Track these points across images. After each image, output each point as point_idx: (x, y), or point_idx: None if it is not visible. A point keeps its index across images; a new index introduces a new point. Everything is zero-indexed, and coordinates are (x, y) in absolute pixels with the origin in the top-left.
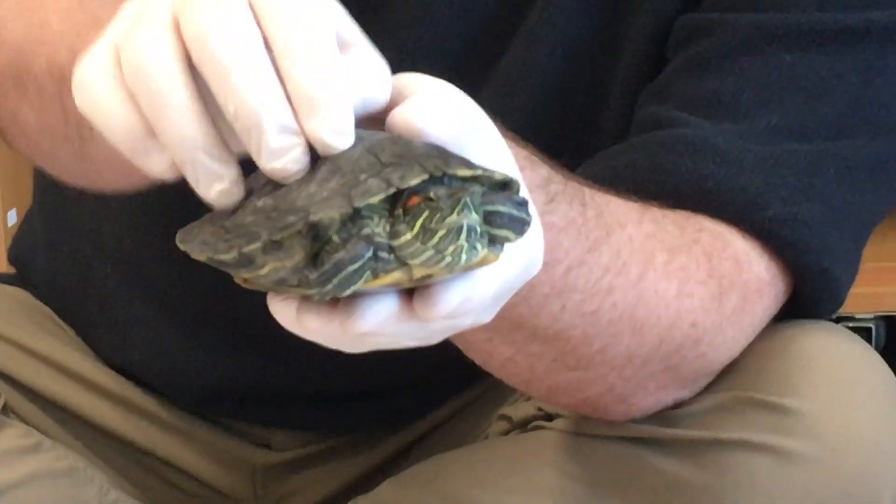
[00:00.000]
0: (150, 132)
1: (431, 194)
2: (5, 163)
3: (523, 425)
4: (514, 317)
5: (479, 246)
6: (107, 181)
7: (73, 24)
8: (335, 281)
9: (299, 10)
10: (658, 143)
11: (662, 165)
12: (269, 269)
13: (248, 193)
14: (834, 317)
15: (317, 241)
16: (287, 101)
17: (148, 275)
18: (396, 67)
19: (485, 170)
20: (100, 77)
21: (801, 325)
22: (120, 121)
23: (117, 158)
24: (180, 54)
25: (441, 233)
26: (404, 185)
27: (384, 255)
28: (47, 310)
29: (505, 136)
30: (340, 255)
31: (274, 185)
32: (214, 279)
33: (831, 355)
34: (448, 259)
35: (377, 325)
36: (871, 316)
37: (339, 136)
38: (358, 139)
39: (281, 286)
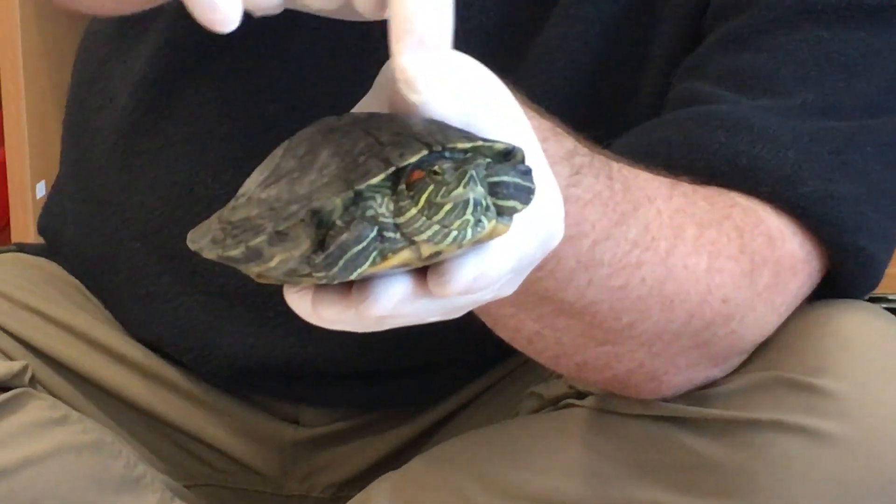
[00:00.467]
0: None
1: (437, 168)
2: (34, 134)
3: (554, 403)
4: (540, 291)
5: (484, 219)
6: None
7: None
8: (341, 263)
9: None
10: (692, 118)
11: (696, 141)
12: (278, 261)
13: (253, 186)
14: (867, 297)
15: (322, 228)
16: None
17: (177, 250)
18: None
19: (485, 140)
20: None
21: (836, 304)
22: None
23: None
24: None
25: (447, 207)
26: (403, 163)
27: (390, 234)
28: (75, 281)
29: (528, 108)
30: (344, 237)
31: (276, 175)
32: None
33: (867, 335)
34: (455, 233)
35: (392, 307)
36: None
37: None
38: (356, 120)
39: (292, 277)
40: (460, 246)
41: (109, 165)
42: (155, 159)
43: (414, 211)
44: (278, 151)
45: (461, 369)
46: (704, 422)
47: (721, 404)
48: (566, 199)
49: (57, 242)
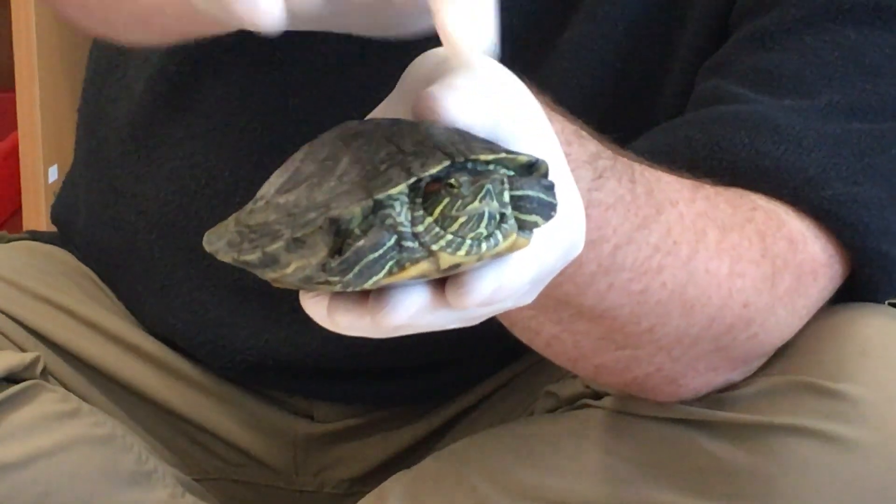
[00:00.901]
0: None
1: (452, 181)
2: (47, 118)
3: (570, 403)
4: (560, 295)
5: (498, 233)
6: (129, 30)
7: None
8: (356, 269)
9: None
10: (716, 118)
11: (719, 142)
12: (294, 268)
13: (272, 190)
14: (888, 301)
15: (340, 237)
16: None
17: (192, 243)
18: None
19: (508, 152)
20: None
21: (857, 308)
22: None
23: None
24: None
25: (461, 220)
26: (424, 174)
27: (409, 244)
28: (89, 271)
29: (553, 110)
30: (361, 243)
31: (296, 180)
32: None
33: (887, 340)
34: (468, 246)
35: (409, 317)
36: None
37: None
38: (378, 127)
39: (308, 284)
40: (479, 258)
41: (125, 156)
42: (172, 151)
43: (429, 220)
44: (298, 155)
45: (475, 367)
46: (723, 425)
47: (740, 408)
48: (588, 204)
49: (70, 232)
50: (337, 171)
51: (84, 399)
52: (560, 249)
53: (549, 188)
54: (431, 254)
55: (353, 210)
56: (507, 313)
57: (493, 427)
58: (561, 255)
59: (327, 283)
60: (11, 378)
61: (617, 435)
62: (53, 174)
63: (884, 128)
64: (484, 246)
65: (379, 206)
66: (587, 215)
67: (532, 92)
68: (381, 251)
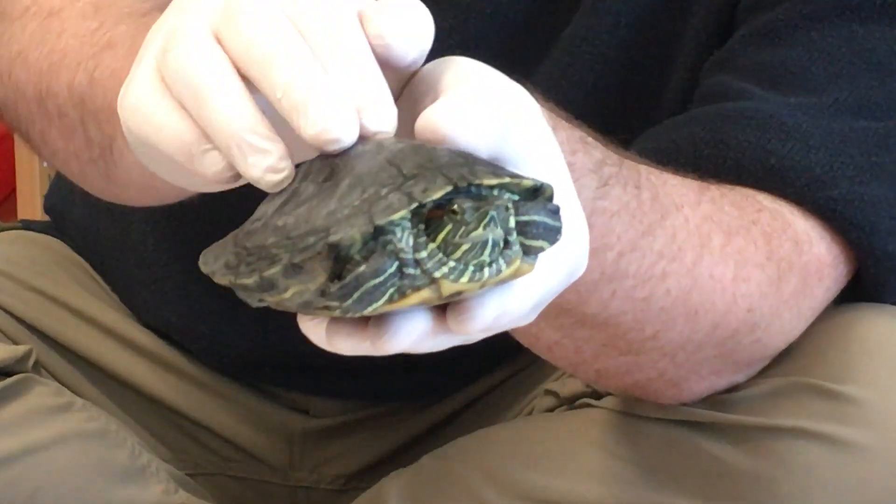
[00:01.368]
0: (202, 135)
1: (455, 207)
2: None
3: (570, 402)
4: (562, 303)
5: (501, 260)
6: (135, 200)
7: (91, 48)
8: (356, 295)
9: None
10: (721, 115)
11: (724, 139)
12: (292, 293)
13: (270, 210)
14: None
15: (339, 262)
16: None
17: (188, 236)
18: (457, 36)
19: (513, 176)
20: (147, 96)
21: (862, 308)
22: (172, 129)
23: (141, 180)
24: (222, 54)
25: (465, 247)
26: (427, 200)
27: (411, 270)
28: (83, 262)
29: (558, 116)
30: (362, 269)
31: (295, 201)
32: None
33: (893, 341)
34: (470, 272)
35: (410, 344)
36: None
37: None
38: (380, 148)
39: (307, 308)
40: (482, 286)
41: None
42: None
43: (431, 247)
44: (298, 174)
45: (473, 364)
46: (726, 428)
47: (743, 410)
48: (593, 212)
49: (64, 222)
50: (337, 193)
51: (77, 393)
52: (564, 272)
53: (555, 212)
54: (433, 281)
55: (353, 236)
56: None
57: (491, 425)
58: (565, 277)
59: (326, 308)
60: (3, 371)
61: (618, 436)
62: None
63: (891, 126)
64: (487, 273)
65: (380, 231)
66: (591, 224)
67: (537, 100)
68: (382, 277)
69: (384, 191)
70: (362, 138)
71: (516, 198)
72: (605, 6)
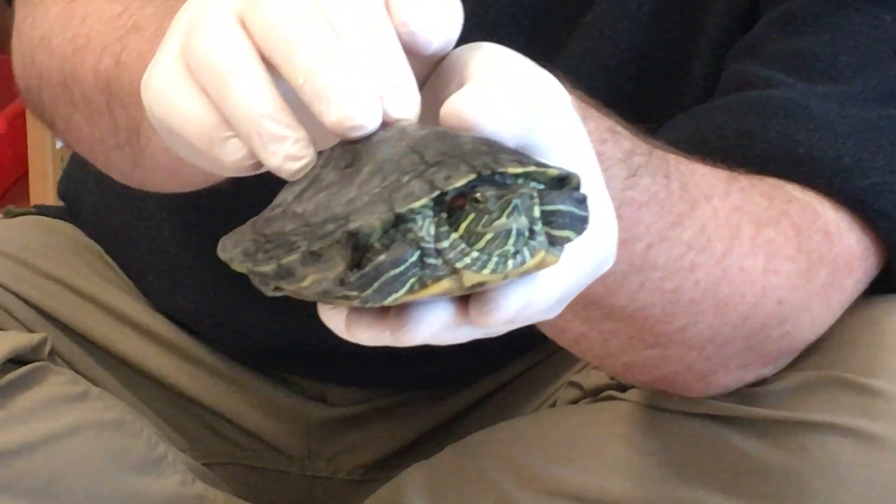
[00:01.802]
0: (223, 121)
1: (478, 195)
2: None
3: (594, 394)
4: (589, 295)
5: (526, 250)
6: (160, 185)
7: (116, 32)
8: (375, 285)
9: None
10: (748, 104)
11: (751, 129)
12: (310, 281)
13: (290, 197)
14: None
15: (359, 251)
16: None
17: (203, 222)
18: (480, 21)
19: (538, 165)
20: (170, 81)
21: (892, 300)
22: (193, 115)
23: (167, 165)
24: (245, 39)
25: (488, 236)
26: (449, 188)
27: (432, 260)
28: (97, 248)
29: (587, 104)
30: (382, 258)
31: (316, 187)
32: None
33: None
34: (494, 263)
35: (431, 335)
36: None
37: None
38: (403, 135)
39: (326, 297)
40: (505, 277)
41: None
42: None
43: (454, 236)
44: (319, 160)
45: (494, 352)
46: (754, 422)
47: (771, 404)
48: (622, 203)
49: (78, 207)
50: (358, 180)
51: (92, 381)
52: (591, 264)
53: (582, 201)
54: (455, 271)
55: (373, 223)
56: None
57: (512, 415)
58: (591, 269)
59: (345, 297)
60: (17, 359)
61: (644, 430)
62: (61, 140)
63: None
64: (511, 264)
65: (401, 219)
66: (620, 215)
67: (566, 87)
68: (402, 267)
69: (405, 178)
70: (385, 124)
71: (541, 187)
72: None
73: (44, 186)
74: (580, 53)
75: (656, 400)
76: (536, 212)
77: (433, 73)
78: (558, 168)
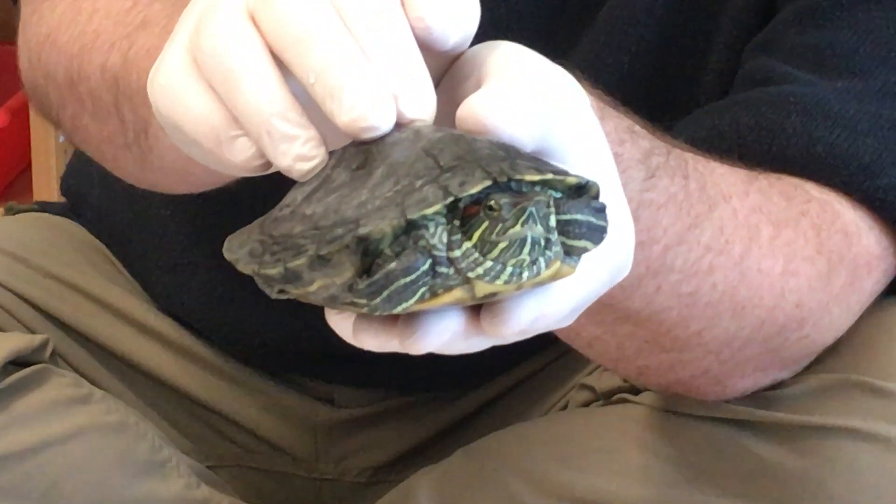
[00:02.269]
0: (232, 120)
1: (493, 203)
2: None
3: (607, 397)
4: (604, 298)
5: (542, 260)
6: (169, 186)
7: (124, 28)
8: (385, 294)
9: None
10: (765, 100)
11: (769, 126)
12: (318, 286)
13: (300, 197)
14: None
15: (368, 257)
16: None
17: (209, 220)
18: (492, 18)
19: (556, 172)
20: (177, 77)
21: None
22: (200, 113)
23: (177, 164)
24: (255, 35)
25: (502, 245)
26: (463, 194)
27: (444, 269)
28: (101, 246)
29: (605, 104)
30: (392, 265)
31: (326, 188)
32: None
33: None
34: (508, 273)
35: (440, 345)
36: None
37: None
38: (417, 137)
39: (333, 303)
40: (519, 287)
41: None
42: None
43: (467, 246)
44: (331, 160)
45: (504, 354)
46: (770, 426)
47: (788, 408)
48: (640, 205)
49: (81, 204)
50: (369, 183)
51: (95, 383)
52: (607, 273)
53: (600, 211)
54: (467, 281)
55: (383, 229)
56: None
57: (523, 417)
58: (608, 278)
59: (353, 304)
60: (19, 361)
61: (658, 434)
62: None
63: None
64: (525, 274)
65: (412, 226)
66: (637, 217)
67: (584, 87)
68: (413, 276)
69: (419, 183)
70: (399, 125)
71: (558, 195)
72: None
73: (47, 180)
74: (594, 49)
75: (670, 403)
76: (552, 221)
77: (448, 72)
78: (577, 176)
